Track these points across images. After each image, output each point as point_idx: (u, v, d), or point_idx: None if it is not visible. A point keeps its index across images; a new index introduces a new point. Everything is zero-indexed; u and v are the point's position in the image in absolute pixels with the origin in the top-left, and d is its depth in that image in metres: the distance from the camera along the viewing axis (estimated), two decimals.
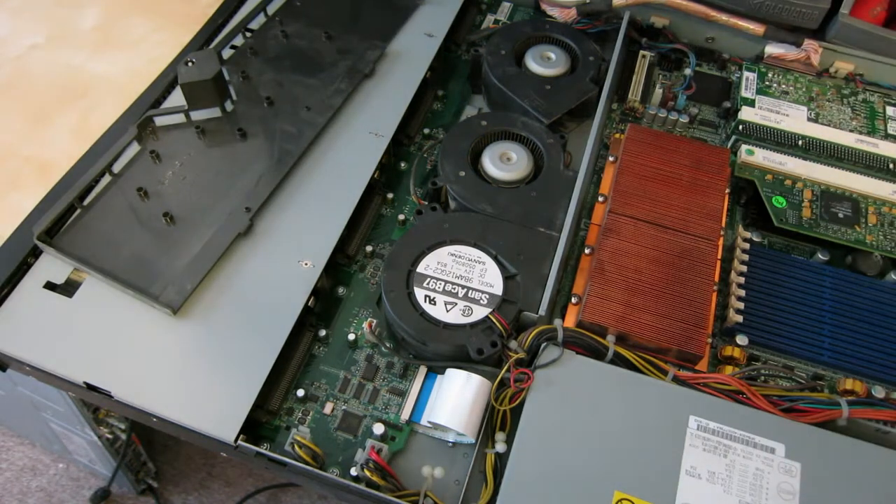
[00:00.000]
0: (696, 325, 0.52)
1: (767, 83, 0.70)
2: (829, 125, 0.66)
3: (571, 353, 0.49)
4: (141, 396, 0.49)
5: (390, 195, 0.64)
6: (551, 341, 0.49)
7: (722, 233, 0.57)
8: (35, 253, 0.55)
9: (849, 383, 0.52)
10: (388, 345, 0.53)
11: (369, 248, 0.60)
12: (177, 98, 0.66)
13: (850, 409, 0.47)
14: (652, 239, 0.56)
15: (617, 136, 0.67)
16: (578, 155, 0.63)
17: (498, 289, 0.52)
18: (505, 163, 0.60)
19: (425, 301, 0.52)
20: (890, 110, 0.68)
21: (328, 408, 0.52)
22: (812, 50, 0.70)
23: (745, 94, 0.68)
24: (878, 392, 0.51)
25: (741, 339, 0.54)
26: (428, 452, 0.50)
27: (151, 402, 0.48)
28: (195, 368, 0.50)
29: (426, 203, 0.58)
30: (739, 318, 0.55)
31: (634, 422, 0.46)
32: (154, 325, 0.52)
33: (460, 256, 0.54)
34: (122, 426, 0.77)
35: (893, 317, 0.55)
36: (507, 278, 0.53)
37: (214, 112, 0.63)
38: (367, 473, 0.46)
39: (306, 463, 0.47)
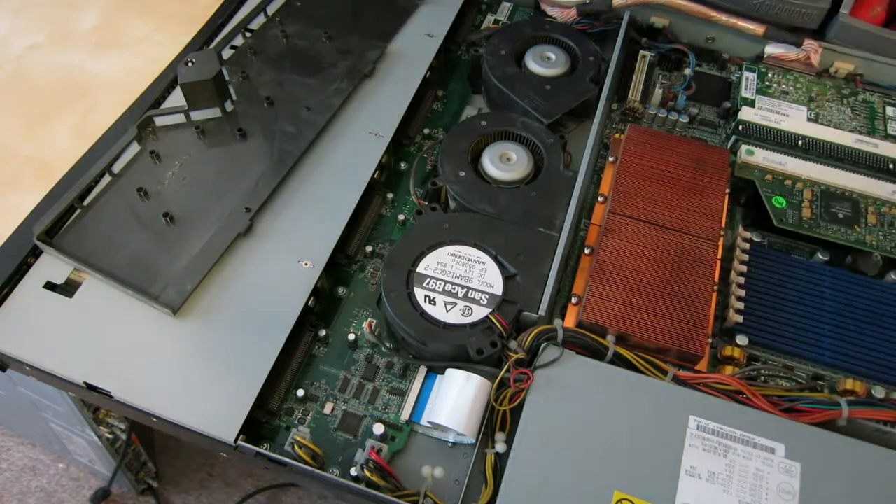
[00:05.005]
0: (696, 325, 0.52)
1: (767, 83, 0.70)
2: (829, 125, 0.66)
3: (571, 353, 0.49)
4: (141, 396, 0.49)
5: (390, 195, 0.64)
6: (551, 341, 0.49)
7: (722, 233, 0.57)
8: (35, 253, 0.55)
9: (849, 383, 0.52)
10: (388, 345, 0.53)
11: (369, 248, 0.60)
12: (177, 98, 0.66)
13: (850, 409, 0.47)
14: (652, 239, 0.56)
15: (617, 136, 0.67)
16: (578, 155, 0.63)
17: (498, 289, 0.52)
18: (505, 163, 0.60)
19: (425, 301, 0.52)
20: (890, 110, 0.68)
21: (328, 408, 0.52)
22: (812, 50, 0.70)
23: (745, 94, 0.68)
24: (878, 392, 0.51)
25: (741, 339, 0.54)
26: (428, 452, 0.50)
27: (151, 402, 0.48)
28: (195, 368, 0.50)
29: (426, 203, 0.58)
30: (739, 318, 0.55)
31: (634, 422, 0.46)
32: (154, 325, 0.52)
33: (460, 256, 0.54)
34: (122, 426, 0.77)
35: (893, 317, 0.55)
36: (507, 278, 0.53)
37: (214, 112, 0.63)
38: (367, 473, 0.46)
39: (306, 463, 0.47)
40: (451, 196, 0.59)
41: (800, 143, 0.65)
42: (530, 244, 0.55)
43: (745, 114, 0.66)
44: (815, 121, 0.67)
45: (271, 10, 0.74)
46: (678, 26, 0.75)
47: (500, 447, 0.48)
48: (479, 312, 0.51)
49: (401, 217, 0.62)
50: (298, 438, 0.47)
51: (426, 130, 0.69)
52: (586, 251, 0.58)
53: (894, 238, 0.59)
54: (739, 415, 0.46)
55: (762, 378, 0.53)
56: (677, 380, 0.49)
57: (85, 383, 0.49)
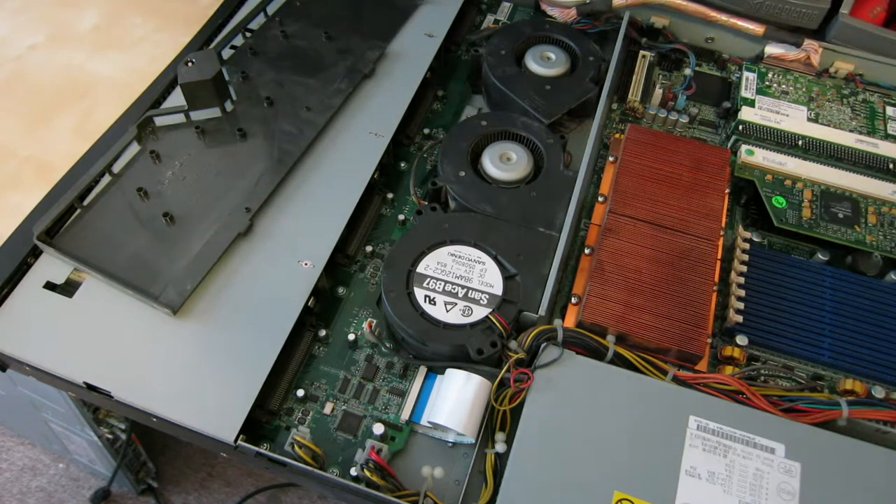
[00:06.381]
0: (696, 325, 0.52)
1: (767, 83, 0.70)
2: (829, 125, 0.66)
3: (571, 353, 0.49)
4: (141, 396, 0.49)
5: (390, 195, 0.64)
6: (551, 341, 0.49)
7: (722, 233, 0.57)
8: (35, 253, 0.55)
9: (849, 383, 0.52)
10: (388, 345, 0.53)
11: (369, 248, 0.60)
12: (177, 98, 0.66)
13: (850, 409, 0.47)
14: (652, 239, 0.56)
15: (617, 136, 0.67)
16: (578, 155, 0.63)
17: (498, 289, 0.52)
18: (505, 163, 0.60)
19: (425, 301, 0.52)
20: (890, 110, 0.68)
21: (328, 408, 0.52)
22: (812, 50, 0.70)
23: (745, 94, 0.68)
24: (878, 392, 0.51)
25: (741, 339, 0.54)
26: (428, 452, 0.50)
27: (151, 402, 0.48)
28: (195, 368, 0.50)
29: (426, 203, 0.58)
30: (739, 318, 0.55)
31: (634, 422, 0.46)
32: (154, 325, 0.52)
33: (460, 256, 0.54)
34: (122, 426, 0.77)
35: (893, 317, 0.55)
36: (507, 278, 0.53)
37: (214, 112, 0.63)
38: (367, 473, 0.46)
39: (306, 463, 0.47)
40: (451, 196, 0.59)
41: (800, 143, 0.65)
42: (530, 244, 0.55)
43: (745, 114, 0.66)
44: (815, 121, 0.67)
45: (271, 10, 0.74)
46: (678, 26, 0.75)
47: (500, 447, 0.48)
48: (479, 312, 0.51)
49: (401, 217, 0.62)
50: (298, 438, 0.47)
51: (426, 130, 0.69)
52: (586, 251, 0.58)
53: (894, 238, 0.59)
54: (739, 415, 0.46)
55: (762, 378, 0.53)
56: (677, 380, 0.49)
57: (85, 383, 0.49)
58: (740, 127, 0.66)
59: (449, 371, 0.50)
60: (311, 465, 0.47)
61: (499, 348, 0.49)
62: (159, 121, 0.62)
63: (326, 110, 0.65)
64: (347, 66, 0.69)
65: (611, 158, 0.65)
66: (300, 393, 0.52)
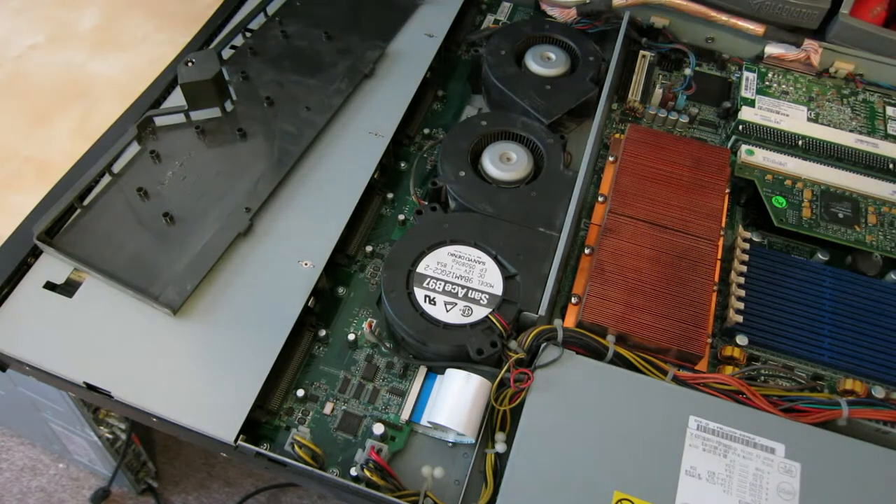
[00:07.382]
0: (696, 325, 0.52)
1: (767, 83, 0.70)
2: (829, 125, 0.66)
3: (571, 353, 0.49)
4: (141, 396, 0.49)
5: (390, 195, 0.64)
6: (551, 341, 0.49)
7: (722, 233, 0.57)
8: (35, 253, 0.55)
9: (849, 383, 0.52)
10: (388, 345, 0.53)
11: (369, 248, 0.60)
12: (177, 98, 0.66)
13: (850, 409, 0.47)
14: (652, 239, 0.56)
15: (617, 136, 0.67)
16: (578, 155, 0.63)
17: (498, 289, 0.52)
18: (505, 163, 0.60)
19: (425, 301, 0.52)
20: (890, 110, 0.68)
21: (328, 408, 0.52)
22: (812, 50, 0.70)
23: (745, 94, 0.68)
24: (878, 392, 0.51)
25: (741, 339, 0.54)
26: (428, 452, 0.50)
27: (151, 402, 0.48)
28: (195, 368, 0.50)
29: (426, 203, 0.58)
30: (739, 318, 0.55)
31: (634, 422, 0.46)
32: (154, 325, 0.52)
33: (460, 256, 0.54)
34: (122, 426, 0.77)
35: (893, 317, 0.55)
36: (507, 278, 0.53)
37: (214, 112, 0.63)
38: (367, 473, 0.46)
39: (306, 463, 0.47)
40: (451, 196, 0.59)
41: (800, 143, 0.65)
42: (530, 244, 0.55)
43: (745, 114, 0.66)
44: (815, 121, 0.67)
45: (271, 10, 0.74)
46: (678, 26, 0.75)
47: (500, 447, 0.48)
48: (479, 312, 0.51)
49: (401, 217, 0.62)
50: (298, 438, 0.47)
51: (426, 130, 0.69)
52: (586, 251, 0.58)
53: (894, 238, 0.59)
54: (739, 415, 0.47)
55: (762, 378, 0.53)
56: (677, 380, 0.49)
57: (85, 383, 0.49)
58: (740, 127, 0.66)
59: (449, 371, 0.50)
60: (311, 465, 0.47)
61: (499, 348, 0.49)
62: (159, 121, 0.62)
63: (326, 110, 0.65)
64: (347, 66, 0.69)
65: (611, 158, 0.65)
66: (300, 393, 0.52)
